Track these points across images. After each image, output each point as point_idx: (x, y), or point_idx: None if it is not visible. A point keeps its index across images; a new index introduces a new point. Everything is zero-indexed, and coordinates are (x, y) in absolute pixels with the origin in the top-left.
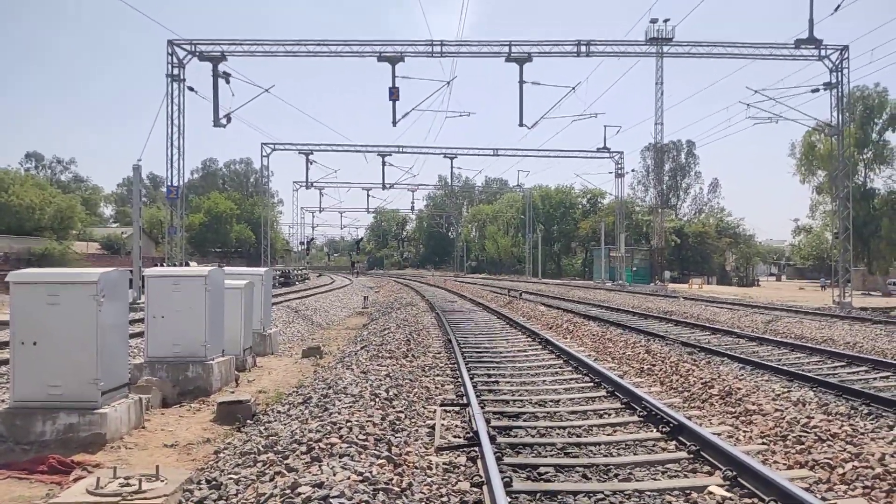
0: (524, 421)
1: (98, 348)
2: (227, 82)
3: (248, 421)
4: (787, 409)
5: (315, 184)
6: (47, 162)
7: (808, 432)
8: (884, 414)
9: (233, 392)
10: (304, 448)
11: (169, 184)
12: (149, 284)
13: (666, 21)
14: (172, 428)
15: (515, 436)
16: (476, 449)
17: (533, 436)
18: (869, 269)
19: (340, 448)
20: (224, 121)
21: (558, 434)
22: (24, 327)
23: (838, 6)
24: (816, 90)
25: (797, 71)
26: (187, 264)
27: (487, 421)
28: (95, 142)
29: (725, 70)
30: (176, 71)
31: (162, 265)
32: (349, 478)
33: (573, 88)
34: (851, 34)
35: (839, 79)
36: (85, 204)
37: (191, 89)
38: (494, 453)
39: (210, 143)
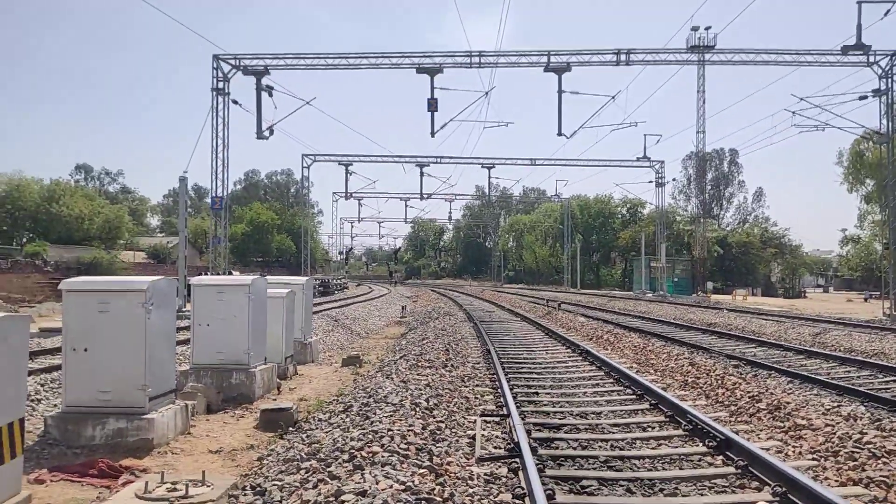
0: (565, 433)
1: (146, 355)
2: (270, 95)
3: (291, 428)
4: (837, 423)
5: (354, 194)
6: (96, 173)
7: (860, 448)
8: None
9: (275, 399)
10: (346, 456)
11: (213, 194)
12: (194, 293)
13: (707, 29)
14: (217, 434)
15: (557, 448)
16: (517, 460)
17: (575, 448)
18: None
19: (382, 457)
20: (267, 133)
21: (601, 447)
22: (76, 334)
23: (888, 11)
24: (865, 97)
25: (844, 77)
26: (230, 273)
27: (528, 432)
28: (143, 154)
29: (769, 77)
30: (221, 85)
31: (206, 274)
32: (392, 486)
33: (613, 97)
34: None
35: (889, 85)
36: (132, 214)
37: (235, 102)
38: (536, 465)
39: (253, 154)
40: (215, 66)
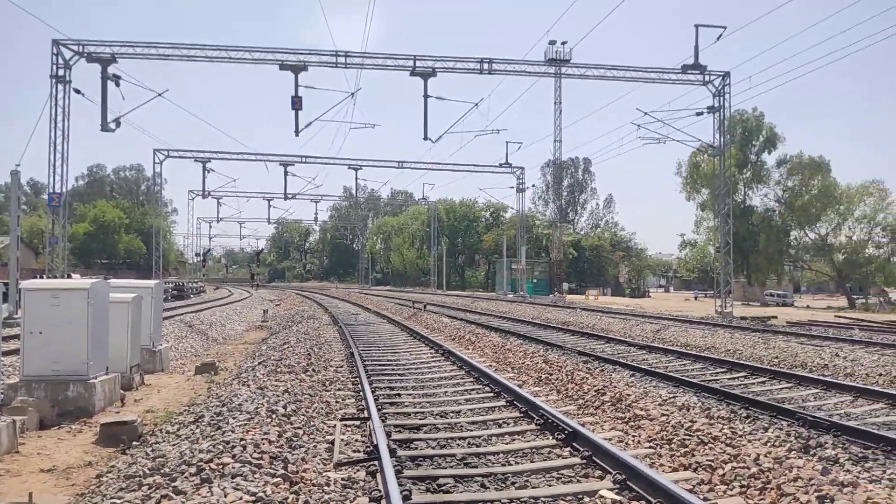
0: (425, 433)
1: None
2: (118, 85)
3: (134, 442)
4: (672, 413)
5: (212, 193)
6: None
7: (691, 436)
8: (760, 417)
9: (118, 412)
10: (193, 469)
11: (51, 190)
12: (25, 298)
13: (563, 43)
14: (50, 451)
15: (416, 448)
16: (376, 463)
17: (433, 447)
18: (749, 281)
19: (233, 468)
20: (113, 125)
21: (458, 445)
22: None
23: (720, 35)
24: (701, 113)
25: (684, 94)
26: (70, 276)
27: (388, 434)
28: None
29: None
30: (61, 72)
31: (42, 277)
32: (241, 498)
33: (476, 104)
34: (733, 61)
35: (721, 103)
36: None
37: (77, 91)
38: (394, 466)
39: (98, 148)
40: (55, 51)
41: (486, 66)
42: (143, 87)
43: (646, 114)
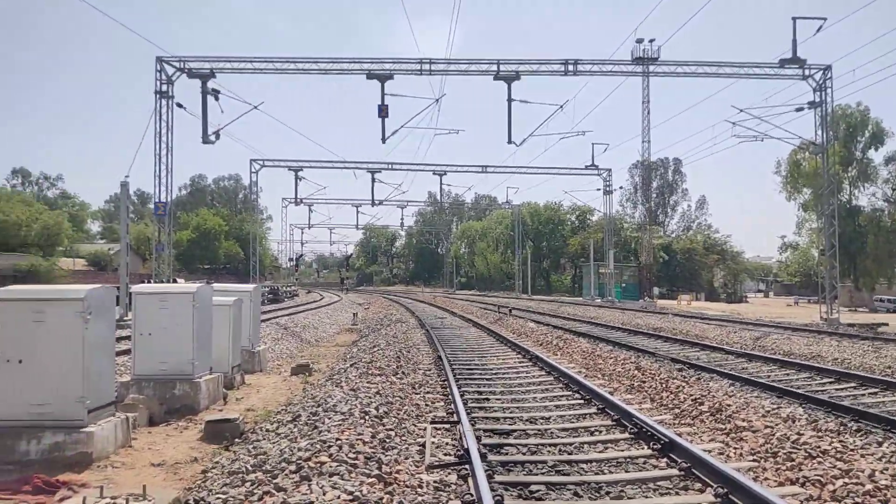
0: (515, 438)
1: (84, 366)
2: (217, 99)
3: (237, 440)
4: (777, 425)
5: (304, 200)
6: (34, 178)
7: (798, 449)
8: (873, 430)
9: (221, 410)
10: (293, 467)
11: (157, 200)
12: (136, 301)
13: (651, 41)
14: (160, 447)
15: (506, 453)
16: (467, 467)
17: (524, 453)
18: (856, 286)
19: (330, 467)
20: (213, 137)
21: (549, 451)
22: (10, 345)
23: (820, 27)
24: (801, 109)
25: (782, 90)
26: (175, 281)
27: (478, 438)
28: (83, 158)
29: (711, 89)
30: (164, 88)
31: (149, 282)
32: (339, 497)
33: (561, 106)
34: (834, 54)
35: (822, 98)
36: (72, 220)
37: (179, 106)
38: (485, 471)
39: (199, 159)
40: (159, 68)
41: (570, 66)
42: (239, 100)
43: (741, 111)
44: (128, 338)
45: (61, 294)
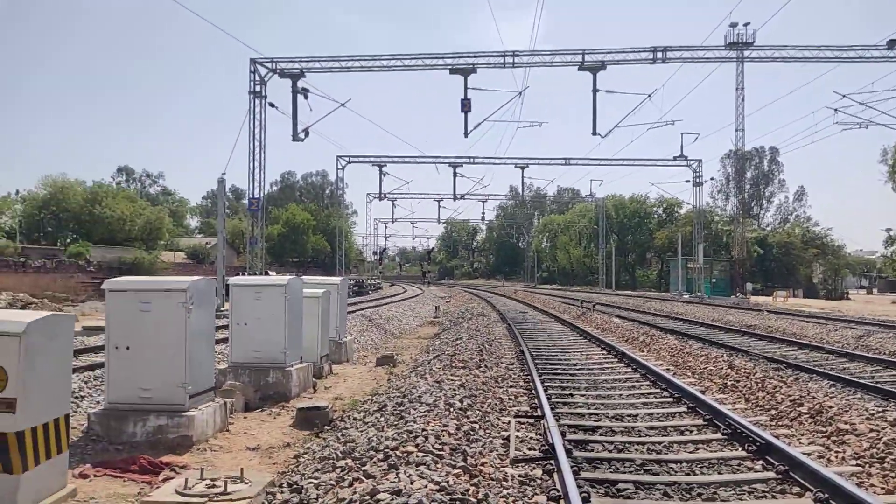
0: (601, 435)
1: (187, 353)
2: (306, 98)
3: (326, 427)
4: (883, 429)
5: (388, 195)
6: (137, 176)
7: None
8: None
9: (310, 398)
10: (381, 455)
11: (250, 196)
12: (232, 293)
13: (746, 25)
14: (255, 431)
15: (592, 450)
16: (552, 462)
17: (610, 451)
18: None
19: (417, 457)
20: (302, 135)
21: (637, 450)
22: (118, 333)
23: None
24: None
25: (889, 73)
26: (267, 273)
27: (563, 434)
28: (182, 156)
29: (810, 75)
30: (258, 88)
31: (244, 274)
32: (426, 486)
33: (649, 96)
34: None
35: None
36: (172, 216)
37: (272, 105)
38: (571, 467)
39: (289, 155)
40: (252, 69)
41: (660, 54)
42: (327, 98)
43: (844, 97)
44: (225, 327)
45: (166, 285)
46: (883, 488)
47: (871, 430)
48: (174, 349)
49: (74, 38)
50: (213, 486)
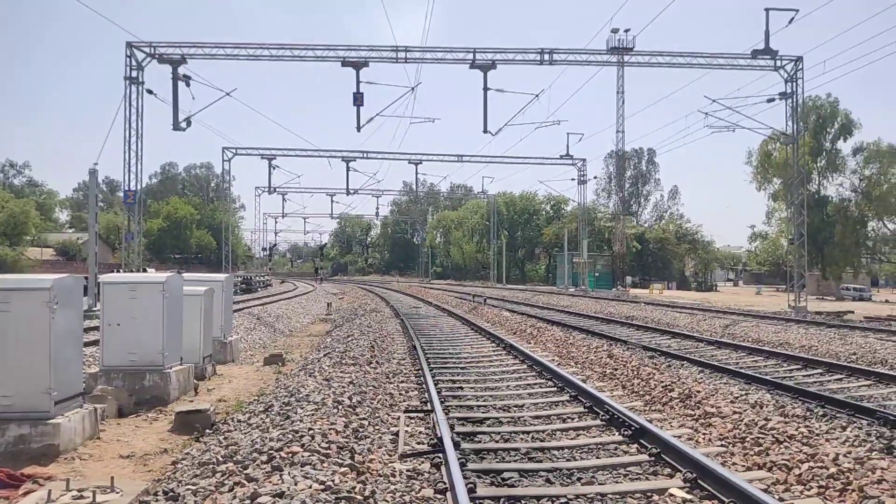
0: (488, 426)
1: (51, 357)
2: (188, 85)
3: (208, 430)
4: (745, 411)
5: (278, 189)
6: (0, 166)
7: (765, 434)
8: (838, 415)
9: (191, 401)
10: (264, 457)
11: (126, 188)
12: (104, 291)
13: (627, 31)
14: (128, 438)
15: (479, 441)
16: (440, 455)
17: (497, 441)
18: (823, 275)
19: (302, 457)
20: (184, 124)
21: (522, 439)
22: None
23: (792, 18)
24: (772, 100)
25: (754, 81)
26: (145, 271)
27: (451, 427)
28: (51, 146)
29: (685, 79)
30: (134, 73)
31: (119, 272)
32: (311, 487)
33: (537, 96)
34: (805, 45)
35: (794, 89)
36: (39, 209)
37: (149, 92)
38: (458, 459)
39: (170, 146)
40: (128, 53)
41: (546, 56)
42: (211, 86)
43: (714, 101)
44: (96, 328)
45: (27, 283)
46: (744, 465)
47: (735, 413)
48: (37, 352)
49: None
50: (81, 498)
